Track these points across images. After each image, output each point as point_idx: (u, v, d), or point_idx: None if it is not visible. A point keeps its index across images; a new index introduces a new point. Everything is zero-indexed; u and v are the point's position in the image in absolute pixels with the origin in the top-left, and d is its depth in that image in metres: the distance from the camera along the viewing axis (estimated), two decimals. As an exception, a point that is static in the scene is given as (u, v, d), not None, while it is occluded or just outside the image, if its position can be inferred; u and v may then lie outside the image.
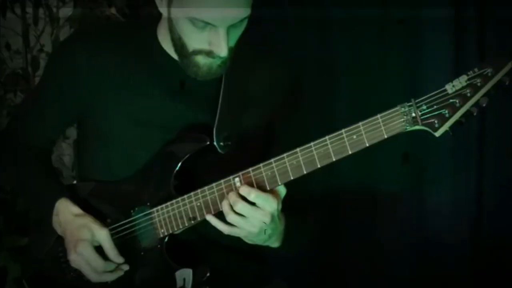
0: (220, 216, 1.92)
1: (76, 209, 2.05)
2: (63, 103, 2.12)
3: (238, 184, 1.90)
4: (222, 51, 1.88)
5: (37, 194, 2.15)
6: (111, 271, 2.00)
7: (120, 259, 1.99)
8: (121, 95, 2.04)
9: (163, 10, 1.96)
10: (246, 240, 1.96)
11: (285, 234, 2.00)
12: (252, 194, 1.86)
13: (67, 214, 2.05)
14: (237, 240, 1.98)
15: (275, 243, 2.01)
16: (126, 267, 2.01)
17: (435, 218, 3.30)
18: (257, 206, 1.87)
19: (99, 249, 2.00)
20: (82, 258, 1.98)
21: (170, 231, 1.99)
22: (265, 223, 1.88)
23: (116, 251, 1.99)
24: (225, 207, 1.89)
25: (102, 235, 1.99)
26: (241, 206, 1.86)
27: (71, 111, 2.13)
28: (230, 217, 1.88)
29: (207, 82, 1.97)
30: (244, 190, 1.87)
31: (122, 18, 3.55)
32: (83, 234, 1.99)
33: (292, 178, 1.87)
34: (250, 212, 1.87)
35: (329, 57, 3.38)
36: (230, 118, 2.00)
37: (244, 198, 1.87)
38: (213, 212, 1.94)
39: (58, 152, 3.53)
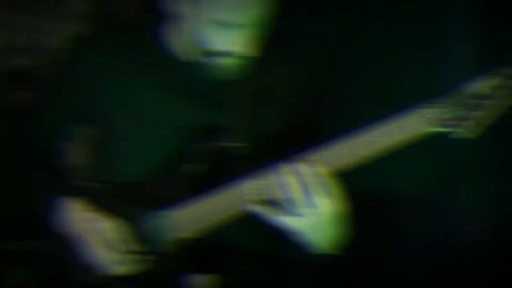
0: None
1: (78, 206, 2.05)
2: (69, 106, 2.13)
3: (255, 187, 1.89)
4: (247, 50, 1.87)
5: (40, 193, 2.16)
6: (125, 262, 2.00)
7: (131, 247, 1.99)
8: (130, 97, 2.04)
9: (178, 11, 1.95)
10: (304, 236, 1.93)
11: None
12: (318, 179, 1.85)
13: (71, 212, 2.05)
14: (249, 245, 1.99)
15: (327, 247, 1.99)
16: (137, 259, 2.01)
17: (459, 221, 3.30)
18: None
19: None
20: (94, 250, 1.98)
21: (180, 236, 1.99)
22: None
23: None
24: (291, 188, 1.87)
25: (108, 225, 2.00)
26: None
27: (77, 113, 2.14)
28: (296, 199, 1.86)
29: (222, 82, 1.97)
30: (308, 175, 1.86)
31: (130, 17, 3.54)
32: (91, 226, 1.99)
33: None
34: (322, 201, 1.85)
35: (346, 56, 3.37)
36: (247, 118, 1.99)
37: None
38: (229, 217, 1.93)
39: (63, 153, 3.52)
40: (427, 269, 3.37)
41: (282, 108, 2.04)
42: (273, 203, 1.88)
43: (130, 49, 2.06)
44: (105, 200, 2.08)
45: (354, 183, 3.14)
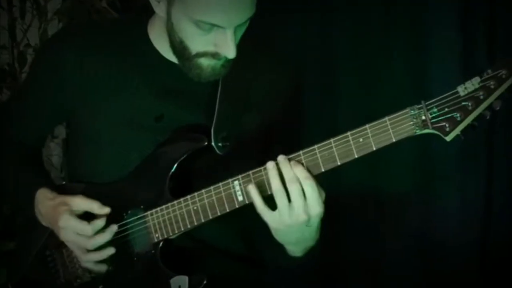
0: (218, 219, 1.91)
1: (52, 194, 2.04)
2: (50, 103, 2.12)
3: (237, 187, 1.89)
4: (231, 52, 1.86)
5: (19, 187, 2.15)
6: (103, 231, 1.96)
7: (105, 209, 1.96)
8: (110, 96, 2.03)
9: (160, 11, 1.94)
10: (273, 233, 1.90)
11: (311, 251, 1.98)
12: (311, 180, 1.81)
13: (45, 201, 2.04)
14: (236, 245, 1.99)
15: (297, 252, 1.98)
16: (115, 227, 1.98)
17: (443, 221, 3.31)
18: (305, 199, 1.82)
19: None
20: (68, 229, 1.95)
21: (165, 236, 1.98)
22: (298, 222, 1.83)
23: (98, 203, 1.97)
24: (276, 182, 1.83)
25: (77, 199, 1.98)
26: (296, 187, 1.81)
27: (59, 110, 2.12)
28: (280, 194, 1.82)
29: (204, 82, 1.96)
30: (303, 172, 1.82)
31: (113, 12, 3.53)
32: (60, 209, 1.97)
33: None
34: (298, 199, 1.81)
35: (333, 57, 3.37)
36: (228, 118, 1.99)
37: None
38: (210, 217, 1.92)
39: (46, 152, 3.51)
40: (413, 271, 3.39)
41: (261, 108, 2.04)
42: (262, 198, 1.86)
43: (111, 47, 2.04)
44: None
45: (340, 184, 3.16)
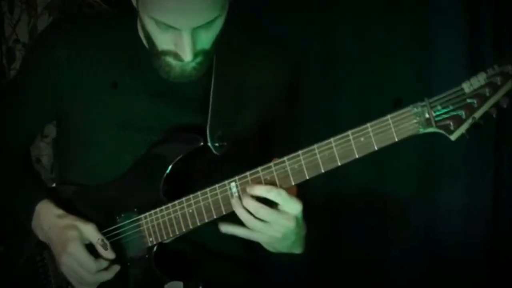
0: (214, 222, 1.91)
1: (59, 211, 2.04)
2: (40, 101, 2.11)
3: (234, 189, 1.89)
4: (187, 55, 1.86)
5: (15, 196, 2.13)
6: (105, 270, 1.98)
7: (111, 254, 1.98)
8: (102, 94, 2.02)
9: (135, 5, 1.95)
10: (267, 247, 1.94)
11: (306, 239, 1.98)
12: (273, 191, 1.84)
13: (50, 217, 2.04)
14: (233, 249, 1.99)
15: (297, 249, 1.98)
16: (117, 267, 1.99)
17: (449, 221, 3.31)
18: (280, 210, 1.84)
19: (89, 248, 1.99)
20: (74, 259, 1.97)
21: (159, 240, 1.98)
22: (289, 228, 1.86)
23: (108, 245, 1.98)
24: (244, 215, 1.86)
25: (90, 230, 1.98)
26: (263, 212, 1.84)
27: (49, 108, 2.12)
28: (252, 223, 1.85)
29: (196, 80, 1.95)
30: (262, 189, 1.84)
31: (105, 5, 3.52)
32: (70, 234, 1.98)
33: (293, 183, 1.85)
34: (273, 217, 1.84)
35: (333, 52, 3.37)
36: (223, 116, 1.99)
37: (261, 200, 1.85)
38: (206, 220, 1.92)
39: (35, 153, 3.51)
40: (420, 269, 3.39)
41: (257, 106, 2.04)
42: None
43: (104, 45, 2.03)
44: (77, 204, 2.07)
45: (344, 184, 3.16)
